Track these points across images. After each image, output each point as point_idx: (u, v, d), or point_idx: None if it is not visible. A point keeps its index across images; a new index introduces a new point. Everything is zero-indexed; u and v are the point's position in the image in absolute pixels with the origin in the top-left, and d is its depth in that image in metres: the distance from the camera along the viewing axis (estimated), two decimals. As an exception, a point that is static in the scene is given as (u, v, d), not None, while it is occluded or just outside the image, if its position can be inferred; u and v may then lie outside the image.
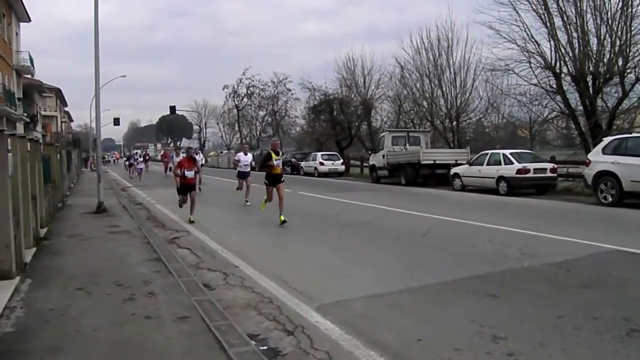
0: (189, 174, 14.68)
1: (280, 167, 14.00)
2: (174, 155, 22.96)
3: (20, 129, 40.36)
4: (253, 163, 20.59)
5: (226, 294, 7.29)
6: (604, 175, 16.79)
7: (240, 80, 64.49)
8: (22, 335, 5.57)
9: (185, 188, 14.78)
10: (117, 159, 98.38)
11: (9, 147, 7.70)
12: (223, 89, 66.56)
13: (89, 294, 7.14)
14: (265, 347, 5.34)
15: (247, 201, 18.46)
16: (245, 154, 20.10)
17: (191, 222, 14.04)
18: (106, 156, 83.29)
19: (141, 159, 41.68)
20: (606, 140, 17.75)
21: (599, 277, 7.65)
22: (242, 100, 66.47)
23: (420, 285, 7.45)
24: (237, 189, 19.91)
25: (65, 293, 7.19)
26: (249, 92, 64.89)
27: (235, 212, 17.30)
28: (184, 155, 22.35)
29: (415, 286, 7.39)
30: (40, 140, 17.93)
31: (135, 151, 74.28)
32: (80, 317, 6.10)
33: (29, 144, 10.50)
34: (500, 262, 8.69)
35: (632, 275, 7.82)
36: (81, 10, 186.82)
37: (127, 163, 49.37)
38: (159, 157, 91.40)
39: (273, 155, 13.88)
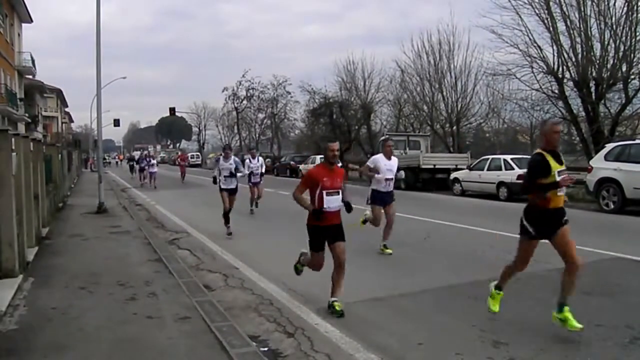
0: (334, 201, 6.94)
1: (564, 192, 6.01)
2: (221, 159, 13.62)
3: (21, 129, 40.38)
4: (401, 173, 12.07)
5: (227, 295, 7.32)
6: (606, 182, 16.76)
7: (240, 83, 64.48)
8: (25, 333, 5.60)
9: (326, 233, 7.06)
10: (120, 160, 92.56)
11: (13, 147, 7.72)
12: (222, 91, 66.48)
13: (91, 293, 7.16)
14: (266, 349, 5.36)
15: (385, 246, 10.53)
16: (389, 158, 10.94)
17: (338, 312, 6.49)
18: (107, 157, 77.20)
19: (154, 161, 31.76)
20: (608, 146, 17.72)
21: (601, 284, 7.65)
22: (241, 102, 66.45)
23: (420, 289, 7.46)
24: (365, 221, 11.06)
25: (67, 292, 7.21)
26: (249, 94, 64.86)
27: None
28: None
29: (416, 290, 7.41)
30: (42, 141, 17.93)
31: (135, 153, 73.00)
32: (82, 316, 6.12)
33: (31, 144, 10.53)
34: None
35: (634, 283, 7.83)
36: (83, 12, 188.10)
37: (135, 166, 41.07)
38: (166, 159, 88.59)
39: (553, 162, 5.95)
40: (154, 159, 32.11)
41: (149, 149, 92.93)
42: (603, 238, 11.60)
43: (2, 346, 5.25)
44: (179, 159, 40.58)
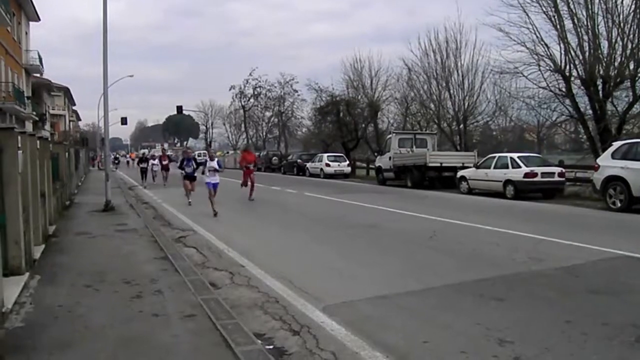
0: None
1: None
2: None
3: (29, 127, 40.54)
4: None
5: (232, 293, 7.32)
6: (613, 180, 16.69)
7: (247, 81, 64.59)
8: (31, 331, 5.62)
9: None
10: (132, 158, 78.69)
11: (20, 145, 7.74)
12: (230, 89, 66.64)
13: (97, 291, 7.18)
14: (271, 347, 5.36)
15: None
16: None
17: None
18: (117, 155, 68.94)
19: (213, 163, 16.95)
20: (616, 144, 17.65)
21: (607, 283, 7.62)
22: (248, 100, 66.56)
23: (426, 287, 7.44)
24: None
25: (73, 290, 7.24)
26: (256, 92, 64.98)
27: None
28: None
29: (422, 289, 7.39)
30: (49, 139, 17.98)
31: (142, 151, 71.76)
32: (88, 314, 6.14)
33: (38, 142, 10.55)
34: (508, 266, 8.67)
35: (640, 281, 7.79)
36: (92, 10, 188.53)
37: (149, 168, 31.92)
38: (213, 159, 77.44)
39: None
40: (212, 160, 17.28)
41: (157, 147, 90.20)
42: (610, 236, 11.56)
43: (8, 343, 5.27)
44: (241, 161, 22.58)
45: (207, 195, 16.16)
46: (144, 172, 31.34)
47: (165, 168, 31.14)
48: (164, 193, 23.98)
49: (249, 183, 20.50)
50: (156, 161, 33.15)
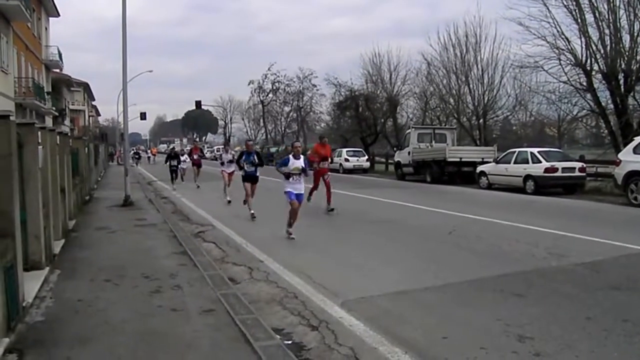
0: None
1: None
2: None
3: (49, 122, 40.86)
4: None
5: (251, 288, 7.32)
6: (635, 176, 16.52)
7: (266, 76, 64.58)
8: (52, 325, 5.67)
9: None
10: (154, 154, 74.30)
11: (40, 140, 7.80)
12: (248, 84, 66.69)
13: (117, 285, 7.23)
14: (290, 342, 5.36)
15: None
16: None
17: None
18: (138, 151, 65.69)
19: (301, 162, 11.34)
20: (637, 139, 17.44)
21: (629, 279, 7.52)
22: (267, 95, 66.57)
23: (445, 283, 7.40)
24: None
25: (93, 284, 7.29)
26: (274, 87, 64.96)
27: None
28: None
29: (441, 284, 7.35)
30: (69, 134, 18.10)
31: (162, 145, 71.72)
32: (108, 309, 6.18)
33: (58, 137, 10.63)
34: (527, 261, 8.59)
35: (662, 278, 7.69)
36: (111, 6, 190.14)
37: (181, 168, 26.90)
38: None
39: None
40: (298, 158, 11.42)
41: (176, 141, 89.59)
42: (631, 232, 11.41)
43: (28, 337, 5.32)
44: (312, 156, 16.06)
45: (284, 208, 11.53)
46: (174, 171, 25.93)
47: (196, 163, 26.68)
48: (187, 189, 23.86)
49: (320, 186, 16.11)
50: (185, 156, 27.79)
